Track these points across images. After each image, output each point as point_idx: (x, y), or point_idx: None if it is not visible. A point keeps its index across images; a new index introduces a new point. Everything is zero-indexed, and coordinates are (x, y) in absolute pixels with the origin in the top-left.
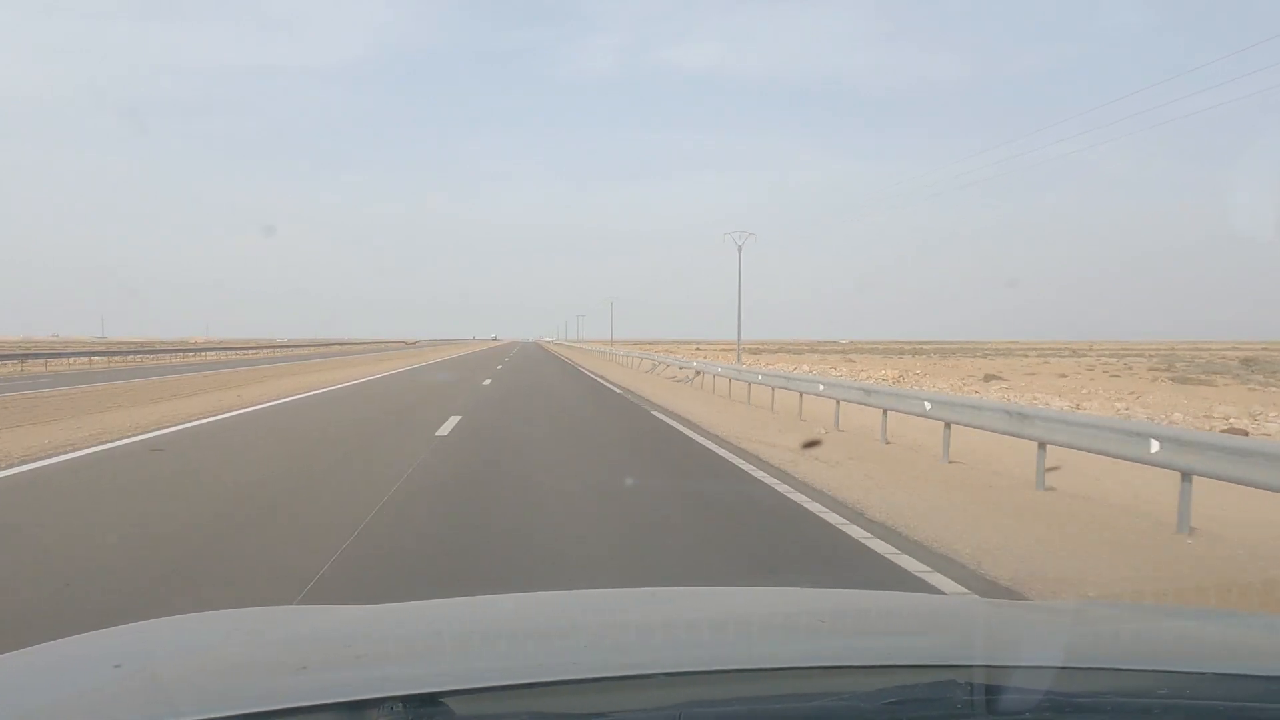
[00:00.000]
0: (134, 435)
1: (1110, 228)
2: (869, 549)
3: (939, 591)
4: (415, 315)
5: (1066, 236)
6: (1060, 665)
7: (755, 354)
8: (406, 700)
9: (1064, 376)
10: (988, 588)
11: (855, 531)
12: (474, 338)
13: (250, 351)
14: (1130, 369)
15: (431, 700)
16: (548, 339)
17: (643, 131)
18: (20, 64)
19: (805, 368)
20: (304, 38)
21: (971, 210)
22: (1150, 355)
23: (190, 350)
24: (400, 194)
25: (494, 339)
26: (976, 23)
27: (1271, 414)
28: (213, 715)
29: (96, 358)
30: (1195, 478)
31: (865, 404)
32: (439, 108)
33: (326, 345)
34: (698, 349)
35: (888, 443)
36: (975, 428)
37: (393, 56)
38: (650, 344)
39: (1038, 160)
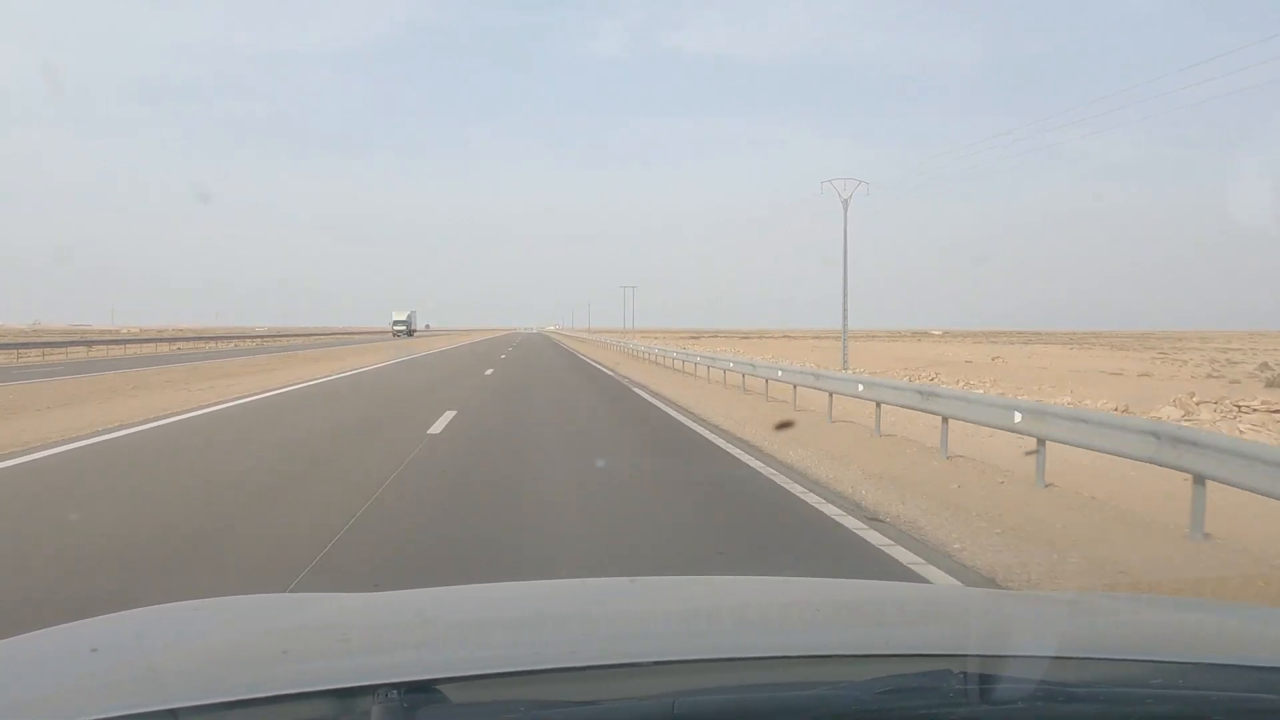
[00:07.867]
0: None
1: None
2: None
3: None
4: (376, 300)
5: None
6: (1055, 655)
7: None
8: (401, 688)
9: None
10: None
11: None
12: (427, 327)
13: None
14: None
15: (427, 688)
16: (551, 327)
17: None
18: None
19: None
20: (290, 22)
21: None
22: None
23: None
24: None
25: (406, 328)
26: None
27: None
28: (206, 702)
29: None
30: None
31: None
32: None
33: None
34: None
35: None
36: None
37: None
38: (672, 336)
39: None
